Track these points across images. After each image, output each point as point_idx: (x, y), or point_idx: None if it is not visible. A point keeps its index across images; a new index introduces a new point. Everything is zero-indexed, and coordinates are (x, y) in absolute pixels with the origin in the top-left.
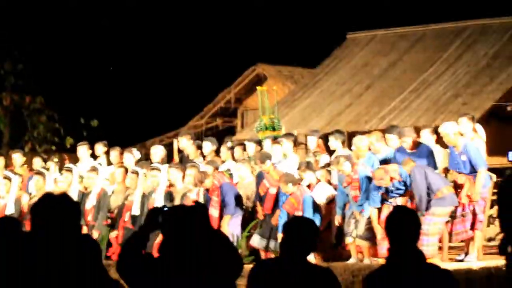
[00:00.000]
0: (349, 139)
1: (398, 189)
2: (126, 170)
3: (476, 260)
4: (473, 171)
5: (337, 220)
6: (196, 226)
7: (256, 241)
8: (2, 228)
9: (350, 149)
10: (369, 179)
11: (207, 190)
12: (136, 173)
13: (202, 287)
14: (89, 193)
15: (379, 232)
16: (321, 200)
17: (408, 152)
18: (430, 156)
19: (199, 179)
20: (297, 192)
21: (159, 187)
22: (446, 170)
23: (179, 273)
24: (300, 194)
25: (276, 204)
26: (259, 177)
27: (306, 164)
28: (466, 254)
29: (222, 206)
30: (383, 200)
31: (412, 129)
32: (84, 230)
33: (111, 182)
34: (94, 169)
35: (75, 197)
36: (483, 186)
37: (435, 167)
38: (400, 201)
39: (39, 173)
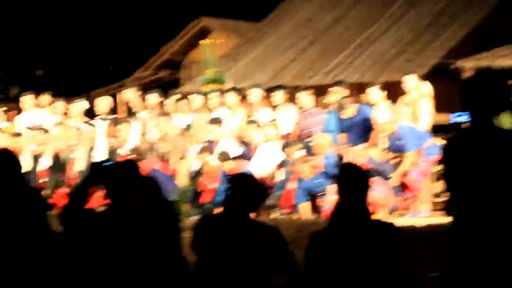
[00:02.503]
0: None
1: None
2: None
3: (428, 214)
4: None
5: None
6: (131, 180)
7: None
8: None
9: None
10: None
11: None
12: (78, 129)
13: (141, 239)
14: (41, 154)
15: None
16: (270, 167)
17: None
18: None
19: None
20: (237, 168)
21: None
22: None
23: (119, 227)
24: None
25: None
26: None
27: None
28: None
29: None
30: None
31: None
32: None
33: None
34: (45, 130)
35: (28, 159)
36: (427, 155)
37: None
38: None
39: None
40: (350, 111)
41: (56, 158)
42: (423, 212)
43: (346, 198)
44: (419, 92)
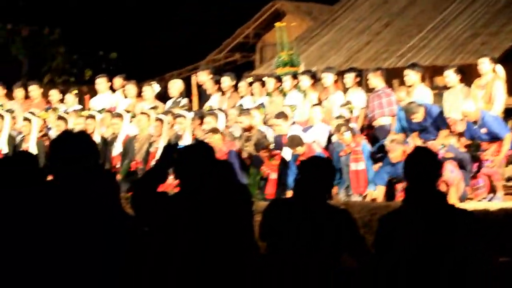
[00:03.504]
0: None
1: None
2: (149, 117)
3: (502, 199)
4: (496, 139)
5: None
6: (208, 163)
7: None
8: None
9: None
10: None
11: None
12: (161, 120)
13: (217, 223)
14: (114, 140)
15: None
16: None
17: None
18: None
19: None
20: (307, 151)
21: (185, 133)
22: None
23: (193, 211)
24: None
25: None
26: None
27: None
28: (494, 194)
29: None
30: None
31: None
32: None
33: (131, 116)
34: (118, 115)
35: (99, 142)
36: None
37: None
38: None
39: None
40: (419, 115)
41: (129, 144)
42: (497, 197)
43: (418, 182)
44: (493, 74)
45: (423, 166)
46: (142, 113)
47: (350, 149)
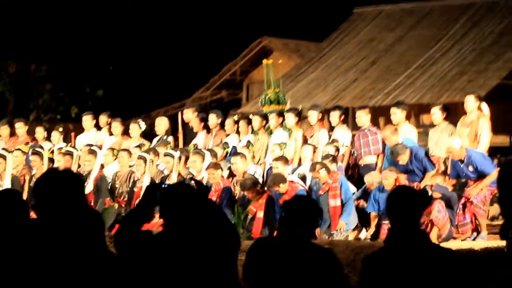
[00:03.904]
0: (353, 114)
1: None
2: (130, 154)
3: (486, 239)
4: (483, 176)
5: None
6: (194, 203)
7: None
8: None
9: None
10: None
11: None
12: (144, 159)
13: (201, 263)
14: (87, 176)
15: None
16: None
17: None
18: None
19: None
20: (289, 190)
21: (172, 172)
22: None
23: (178, 250)
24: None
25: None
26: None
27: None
28: (478, 233)
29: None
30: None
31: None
32: None
33: (113, 154)
34: (92, 151)
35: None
36: (492, 183)
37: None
38: None
39: (36, 153)
40: (405, 157)
41: (100, 181)
42: (481, 236)
43: (400, 221)
44: (478, 112)
45: (404, 205)
46: (123, 149)
47: (328, 186)
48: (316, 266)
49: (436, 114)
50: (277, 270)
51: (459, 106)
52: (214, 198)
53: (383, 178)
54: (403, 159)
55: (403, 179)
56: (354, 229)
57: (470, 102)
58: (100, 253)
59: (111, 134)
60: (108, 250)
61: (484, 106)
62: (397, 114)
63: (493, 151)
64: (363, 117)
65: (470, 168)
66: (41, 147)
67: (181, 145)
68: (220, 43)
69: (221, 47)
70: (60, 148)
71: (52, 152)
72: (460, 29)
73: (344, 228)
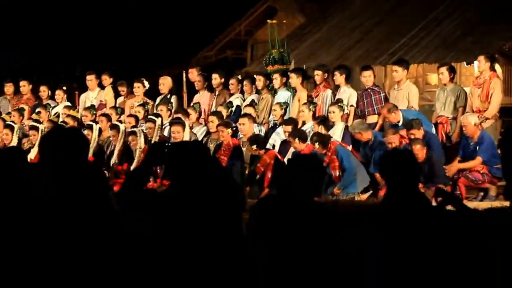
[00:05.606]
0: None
1: None
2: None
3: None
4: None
5: None
6: (198, 161)
7: None
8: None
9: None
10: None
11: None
12: (117, 128)
13: (206, 221)
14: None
15: None
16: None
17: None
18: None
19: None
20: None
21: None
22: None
23: (182, 208)
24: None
25: None
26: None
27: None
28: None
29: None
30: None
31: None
32: None
33: (116, 112)
34: (115, 126)
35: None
36: (494, 173)
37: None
38: None
39: (33, 127)
40: (418, 133)
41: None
42: (489, 197)
43: (396, 183)
44: (491, 73)
45: (400, 166)
46: (102, 115)
47: (328, 158)
48: (317, 224)
49: (444, 73)
50: (279, 229)
51: (462, 67)
52: (223, 157)
53: (387, 142)
54: (414, 133)
55: (404, 133)
56: (364, 192)
57: (482, 63)
58: (105, 210)
59: (114, 93)
60: (112, 207)
61: (497, 67)
62: (399, 72)
63: (504, 112)
64: (367, 77)
65: (477, 148)
66: (38, 121)
67: (185, 104)
68: (224, 2)
69: (226, 6)
70: (66, 107)
71: (58, 116)
72: None
73: (340, 194)
